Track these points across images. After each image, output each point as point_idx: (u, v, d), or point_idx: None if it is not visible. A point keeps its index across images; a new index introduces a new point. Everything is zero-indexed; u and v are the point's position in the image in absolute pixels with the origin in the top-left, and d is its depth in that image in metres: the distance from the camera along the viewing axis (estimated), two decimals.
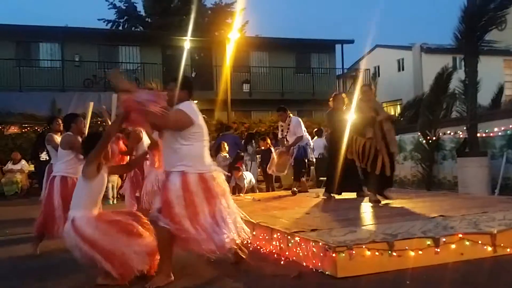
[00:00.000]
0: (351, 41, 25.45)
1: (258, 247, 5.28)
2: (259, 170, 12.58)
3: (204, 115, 4.45)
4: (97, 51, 21.88)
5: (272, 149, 10.50)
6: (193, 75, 22.83)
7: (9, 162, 14.26)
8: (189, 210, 4.00)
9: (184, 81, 4.36)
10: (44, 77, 20.00)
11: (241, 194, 9.97)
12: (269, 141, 11.77)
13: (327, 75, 25.53)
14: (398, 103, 26.60)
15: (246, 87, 23.67)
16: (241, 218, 4.38)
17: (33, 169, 13.89)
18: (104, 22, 29.13)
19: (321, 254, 4.13)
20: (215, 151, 11.04)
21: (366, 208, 6.71)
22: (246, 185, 10.76)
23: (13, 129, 15.74)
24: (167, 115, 4.00)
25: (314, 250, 4.24)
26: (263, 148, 11.85)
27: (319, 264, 4.15)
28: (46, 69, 21.04)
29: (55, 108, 16.09)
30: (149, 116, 3.97)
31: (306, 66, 25.45)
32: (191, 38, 21.50)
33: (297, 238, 4.56)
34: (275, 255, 4.84)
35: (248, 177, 11.01)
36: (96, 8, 33.67)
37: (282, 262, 4.56)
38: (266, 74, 24.22)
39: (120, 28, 29.26)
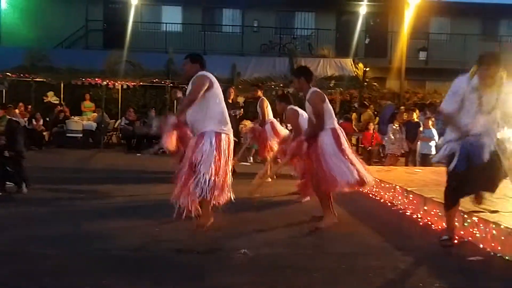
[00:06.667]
0: None
1: (429, 223, 5.15)
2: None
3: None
4: (275, 17, 22.55)
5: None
6: (366, 42, 22.33)
7: None
8: None
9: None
10: (226, 41, 21.30)
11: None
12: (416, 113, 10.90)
13: None
14: None
15: (422, 55, 22.42)
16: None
17: None
18: None
19: (502, 238, 3.90)
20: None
21: None
22: None
23: None
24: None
25: (494, 232, 4.02)
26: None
27: (499, 248, 3.94)
28: (227, 34, 22.42)
29: (235, 71, 16.93)
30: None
31: (493, 33, 23.17)
32: (368, 3, 20.96)
33: (475, 218, 4.36)
34: None
35: None
36: None
37: (455, 242, 4.41)
38: (446, 41, 22.65)
39: None
